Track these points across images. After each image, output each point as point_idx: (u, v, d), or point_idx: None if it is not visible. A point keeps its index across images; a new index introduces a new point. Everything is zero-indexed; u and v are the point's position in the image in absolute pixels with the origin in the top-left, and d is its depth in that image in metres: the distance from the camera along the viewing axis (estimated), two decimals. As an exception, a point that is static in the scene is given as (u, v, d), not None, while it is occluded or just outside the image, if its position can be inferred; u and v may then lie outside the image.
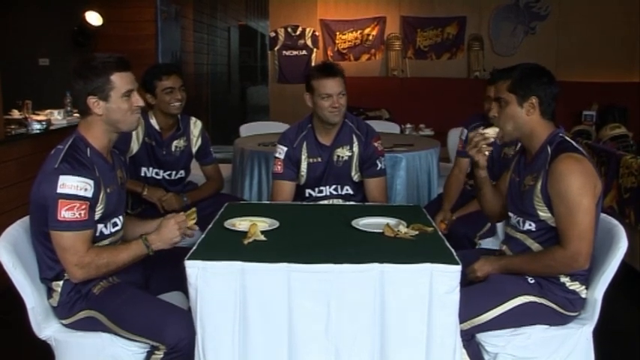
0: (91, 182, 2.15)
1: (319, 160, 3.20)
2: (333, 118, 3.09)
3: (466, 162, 3.54)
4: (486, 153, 2.45)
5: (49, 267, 2.25)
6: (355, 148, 3.20)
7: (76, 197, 2.11)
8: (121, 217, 2.40)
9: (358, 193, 3.26)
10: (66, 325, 2.30)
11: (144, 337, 2.16)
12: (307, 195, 3.26)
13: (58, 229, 2.12)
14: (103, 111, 2.23)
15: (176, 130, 3.53)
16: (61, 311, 2.28)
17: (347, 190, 3.24)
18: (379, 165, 3.21)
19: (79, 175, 2.12)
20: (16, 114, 5.23)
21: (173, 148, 3.52)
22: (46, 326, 2.28)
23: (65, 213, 2.09)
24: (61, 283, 2.26)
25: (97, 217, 2.22)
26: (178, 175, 3.60)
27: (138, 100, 2.29)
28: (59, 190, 2.10)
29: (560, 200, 2.20)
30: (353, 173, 3.22)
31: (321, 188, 3.24)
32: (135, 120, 2.31)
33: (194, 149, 3.61)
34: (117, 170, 2.39)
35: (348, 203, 3.18)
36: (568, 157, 2.21)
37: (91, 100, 2.21)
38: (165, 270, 2.47)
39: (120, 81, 2.23)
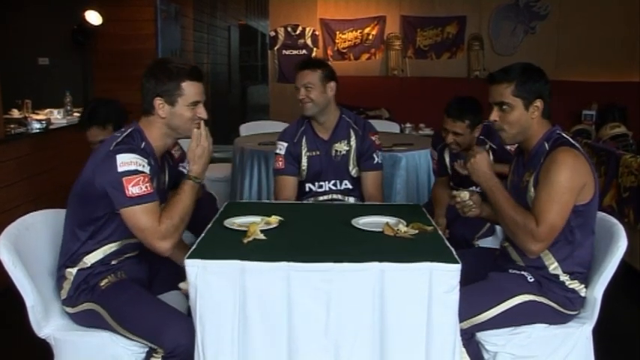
0: (147, 160, 2.19)
1: (318, 153, 3.24)
2: (303, 110, 3.17)
3: (445, 180, 3.62)
4: (473, 210, 2.45)
5: (72, 249, 2.28)
6: (353, 142, 3.23)
7: (138, 172, 2.14)
8: None
9: (356, 188, 3.28)
10: (70, 315, 2.32)
11: (143, 338, 2.17)
12: (308, 190, 3.27)
13: (131, 205, 2.12)
14: (166, 114, 2.26)
15: None
16: (68, 300, 2.30)
17: (346, 184, 3.26)
18: (376, 159, 3.24)
19: (134, 153, 2.16)
20: (15, 113, 5.23)
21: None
22: (45, 325, 2.28)
23: (133, 189, 2.11)
24: (74, 271, 2.28)
25: None
26: None
27: (202, 112, 2.32)
28: (120, 169, 2.12)
29: (544, 185, 2.19)
30: (351, 168, 3.24)
31: (321, 183, 3.26)
32: (193, 128, 2.31)
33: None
34: (162, 174, 2.41)
35: (348, 202, 3.18)
36: (566, 150, 2.21)
37: (158, 102, 2.25)
38: (169, 268, 2.46)
39: (189, 89, 2.26)
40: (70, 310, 2.32)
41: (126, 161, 2.13)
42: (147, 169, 2.17)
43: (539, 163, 2.27)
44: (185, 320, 2.15)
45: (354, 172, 3.25)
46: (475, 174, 2.35)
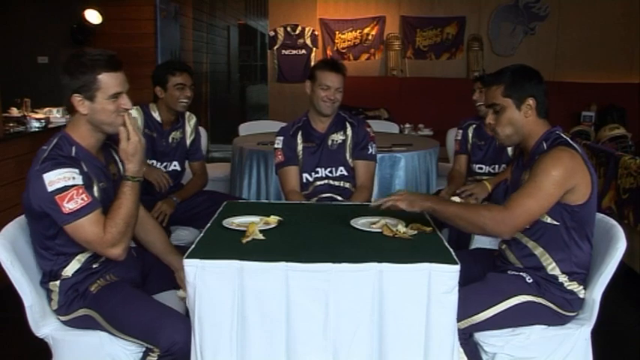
0: (76, 170, 2.08)
1: (314, 144, 3.33)
2: (325, 109, 3.25)
3: (464, 158, 3.95)
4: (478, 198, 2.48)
5: (47, 269, 2.25)
6: (348, 132, 3.35)
7: (68, 187, 2.04)
8: None
9: (352, 175, 3.36)
10: (64, 322, 2.30)
11: (137, 338, 2.16)
12: (304, 180, 3.33)
13: (71, 222, 2.06)
14: (87, 111, 2.15)
15: (176, 122, 3.60)
16: (60, 310, 2.28)
17: (341, 171, 3.34)
18: (370, 150, 3.35)
19: (62, 167, 2.06)
20: (14, 112, 5.22)
21: (170, 140, 3.57)
22: (43, 324, 2.28)
23: (68, 205, 2.03)
24: (58, 282, 2.25)
25: None
26: (172, 167, 3.63)
27: (126, 103, 2.20)
28: (49, 189, 2.04)
29: (534, 175, 2.19)
30: (348, 156, 3.34)
31: (317, 169, 3.33)
32: (120, 122, 2.19)
33: (188, 142, 3.67)
34: (109, 166, 2.35)
35: (347, 203, 3.18)
36: (562, 149, 2.22)
37: (76, 99, 2.14)
38: (163, 268, 2.46)
39: (108, 81, 2.14)
40: (63, 318, 2.29)
41: (53, 179, 2.04)
42: (78, 180, 2.07)
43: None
44: (179, 318, 2.14)
45: (350, 161, 3.35)
46: (414, 208, 2.37)
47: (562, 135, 2.31)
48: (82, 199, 2.05)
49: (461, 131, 3.98)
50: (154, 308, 2.18)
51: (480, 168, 3.91)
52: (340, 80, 3.23)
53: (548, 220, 2.26)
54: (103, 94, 2.14)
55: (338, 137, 3.34)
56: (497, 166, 3.84)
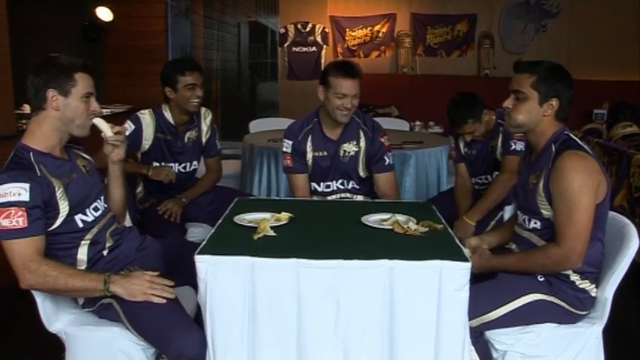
0: (26, 185, 2.07)
1: (325, 153, 3.21)
2: (342, 118, 3.10)
3: (464, 167, 3.64)
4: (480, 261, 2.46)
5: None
6: (362, 144, 3.20)
7: (10, 204, 2.04)
8: (100, 201, 2.38)
9: (363, 187, 3.28)
10: (92, 312, 2.32)
11: (149, 342, 2.17)
12: (312, 189, 3.26)
13: (2, 239, 2.08)
14: (60, 106, 2.20)
15: (190, 122, 3.55)
16: (87, 303, 2.32)
17: (353, 184, 3.26)
18: (387, 160, 3.22)
19: (12, 182, 2.06)
20: (27, 109, 5.24)
21: (186, 140, 3.54)
22: (55, 320, 2.30)
23: (3, 221, 2.04)
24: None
25: (65, 210, 2.19)
26: (192, 167, 3.62)
27: (96, 106, 2.27)
28: None
29: (560, 197, 2.19)
30: (360, 169, 3.23)
31: (328, 183, 3.25)
32: (88, 126, 2.28)
33: (204, 139, 3.63)
34: (77, 160, 2.35)
35: (357, 199, 3.18)
36: (571, 154, 2.20)
37: (51, 94, 2.19)
38: (184, 264, 2.45)
39: (82, 81, 2.22)
40: (90, 309, 2.32)
41: (1, 193, 2.04)
42: (24, 197, 2.05)
43: (546, 165, 2.26)
44: (194, 331, 2.11)
45: (362, 173, 3.25)
46: (479, 270, 2.34)
47: (570, 135, 2.30)
48: (18, 222, 2.05)
49: (453, 139, 3.70)
50: (171, 316, 2.15)
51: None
52: (356, 86, 3.04)
53: None
54: (77, 92, 2.21)
55: (350, 148, 3.20)
56: (487, 176, 3.57)
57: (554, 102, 2.29)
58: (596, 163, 2.22)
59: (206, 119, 3.62)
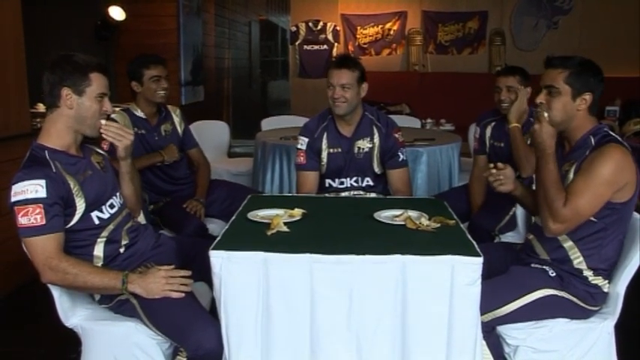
0: (42, 182, 2.08)
1: (339, 150, 3.22)
2: (335, 109, 3.12)
3: (484, 158, 3.62)
4: (506, 185, 2.44)
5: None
6: (376, 140, 3.22)
7: (27, 201, 2.06)
8: (116, 197, 2.40)
9: (378, 184, 3.28)
10: (109, 308, 2.35)
11: (167, 336, 2.19)
12: (327, 185, 3.28)
13: (21, 236, 2.10)
14: (74, 105, 2.21)
15: (160, 115, 3.62)
16: (104, 300, 2.34)
17: (367, 181, 3.26)
18: (401, 156, 3.23)
19: (28, 179, 2.08)
20: (41, 107, 5.29)
21: (163, 132, 3.60)
22: (72, 315, 2.33)
23: (21, 219, 2.07)
24: None
25: (82, 207, 2.21)
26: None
27: (109, 107, 2.29)
28: (12, 200, 2.08)
29: (585, 171, 2.18)
30: (375, 165, 3.24)
31: (342, 180, 3.26)
32: (99, 127, 2.29)
33: (180, 131, 3.69)
34: (91, 157, 2.38)
35: (370, 196, 3.19)
36: (617, 147, 2.20)
37: (65, 92, 2.20)
38: (197, 260, 2.48)
39: (97, 81, 2.23)
40: (107, 305, 2.35)
41: (17, 191, 2.07)
42: (41, 193, 2.07)
43: (584, 154, 2.25)
44: (211, 325, 2.13)
45: (377, 169, 3.26)
46: (537, 139, 2.29)
47: (610, 133, 2.30)
48: (36, 219, 2.07)
49: (478, 129, 3.70)
50: (188, 310, 2.18)
51: None
52: (347, 76, 3.04)
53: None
54: (92, 91, 2.22)
55: (365, 144, 3.21)
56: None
57: (588, 96, 2.28)
58: (632, 163, 2.21)
59: (175, 112, 3.71)
